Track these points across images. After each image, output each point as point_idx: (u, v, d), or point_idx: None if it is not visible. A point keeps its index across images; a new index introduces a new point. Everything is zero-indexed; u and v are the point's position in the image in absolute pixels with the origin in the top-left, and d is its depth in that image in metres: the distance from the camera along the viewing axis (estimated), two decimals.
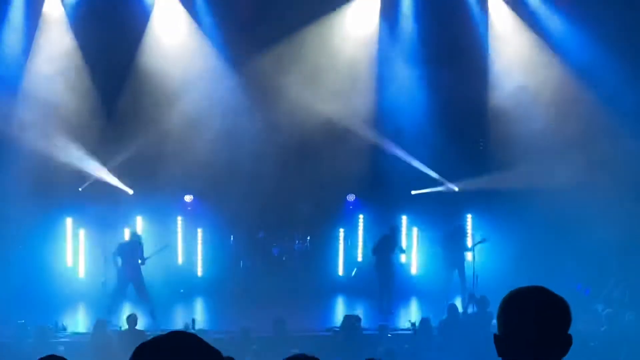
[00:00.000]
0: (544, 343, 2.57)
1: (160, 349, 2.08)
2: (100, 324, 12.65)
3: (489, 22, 17.48)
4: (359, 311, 14.67)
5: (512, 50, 17.27)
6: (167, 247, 15.74)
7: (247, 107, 16.95)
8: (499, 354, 2.62)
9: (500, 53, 17.40)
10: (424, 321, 13.18)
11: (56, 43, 16.51)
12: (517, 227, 16.53)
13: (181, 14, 17.06)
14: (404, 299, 16.68)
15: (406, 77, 17.32)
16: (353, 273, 17.75)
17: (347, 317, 13.37)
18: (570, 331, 2.63)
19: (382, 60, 17.51)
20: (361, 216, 18.05)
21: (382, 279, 15.80)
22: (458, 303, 14.63)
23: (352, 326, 12.89)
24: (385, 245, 15.82)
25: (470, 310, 13.83)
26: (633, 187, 15.86)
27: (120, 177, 16.93)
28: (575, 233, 15.86)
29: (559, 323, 2.59)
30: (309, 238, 17.91)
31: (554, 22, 17.06)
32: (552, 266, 15.94)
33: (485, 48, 17.51)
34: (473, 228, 17.35)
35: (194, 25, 17.11)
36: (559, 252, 16.35)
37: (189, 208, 17.62)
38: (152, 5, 17.00)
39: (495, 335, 2.63)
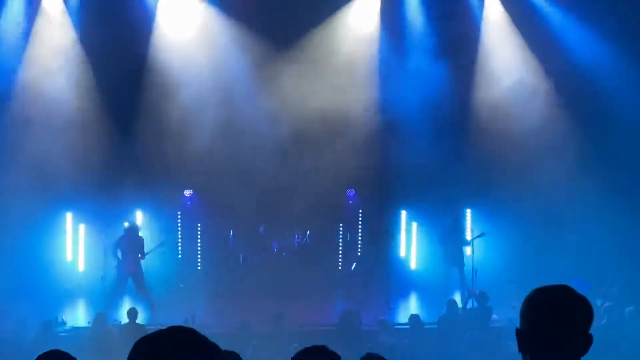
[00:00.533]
0: (564, 341, 2.64)
1: (160, 344, 2.09)
2: (100, 318, 12.67)
3: (488, 17, 17.45)
4: (358, 306, 14.69)
5: (510, 46, 17.23)
6: (167, 243, 15.72)
7: (247, 101, 16.94)
8: (520, 349, 2.69)
9: (499, 48, 17.37)
10: (413, 318, 13.21)
11: (56, 36, 16.45)
12: (517, 223, 16.54)
13: (183, 8, 17.00)
14: (403, 294, 16.69)
15: (406, 72, 17.31)
16: (352, 268, 17.76)
17: (345, 312, 13.39)
18: None
19: (383, 55, 17.50)
20: (360, 211, 18.05)
21: (452, 269, 15.94)
22: (457, 298, 14.65)
23: (351, 321, 12.90)
24: (450, 236, 15.92)
25: (469, 305, 13.85)
26: (632, 184, 15.87)
27: (120, 172, 16.90)
28: (574, 229, 15.88)
29: (580, 322, 2.68)
30: (308, 233, 17.91)
31: (553, 17, 17.04)
32: (552, 261, 15.93)
33: (484, 43, 17.49)
34: (472, 223, 17.36)
35: (195, 20, 17.05)
36: (558, 247, 16.34)
37: (188, 203, 17.62)
38: None
39: (517, 330, 2.70)
